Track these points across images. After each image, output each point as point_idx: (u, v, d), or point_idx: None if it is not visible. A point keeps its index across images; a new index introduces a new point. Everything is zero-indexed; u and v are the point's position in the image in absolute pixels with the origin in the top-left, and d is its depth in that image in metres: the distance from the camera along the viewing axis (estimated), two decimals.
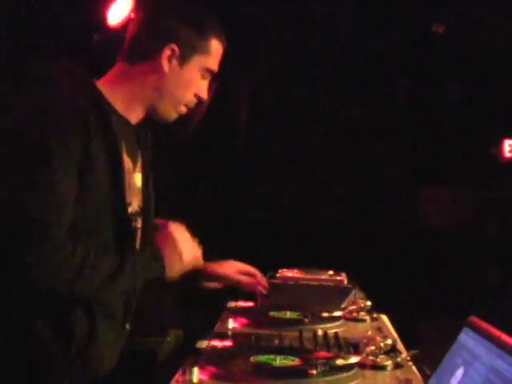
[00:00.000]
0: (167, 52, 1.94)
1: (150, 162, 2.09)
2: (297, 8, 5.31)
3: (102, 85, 1.93)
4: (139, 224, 2.00)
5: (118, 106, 1.94)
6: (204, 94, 2.03)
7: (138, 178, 2.01)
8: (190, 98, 2.02)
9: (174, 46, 1.94)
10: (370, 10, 5.26)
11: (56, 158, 1.70)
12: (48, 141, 1.71)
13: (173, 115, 2.03)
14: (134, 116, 1.99)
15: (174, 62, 1.95)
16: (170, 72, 1.96)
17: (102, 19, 3.66)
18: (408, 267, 5.21)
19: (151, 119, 2.05)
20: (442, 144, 5.38)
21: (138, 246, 1.99)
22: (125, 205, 1.89)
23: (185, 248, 1.97)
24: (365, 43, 5.32)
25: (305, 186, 5.47)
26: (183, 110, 2.03)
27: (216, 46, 2.01)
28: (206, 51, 1.98)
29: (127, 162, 1.93)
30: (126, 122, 1.97)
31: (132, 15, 3.71)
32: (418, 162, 5.43)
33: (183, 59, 1.96)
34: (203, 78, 2.02)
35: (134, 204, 1.96)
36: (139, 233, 2.00)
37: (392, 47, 5.32)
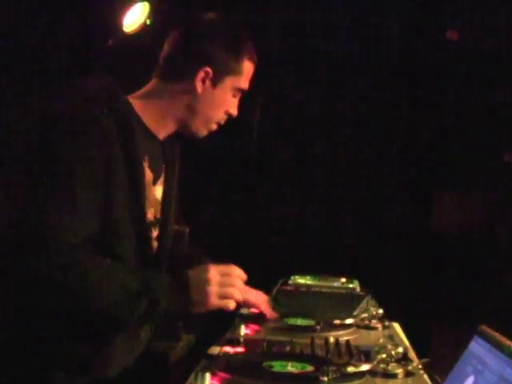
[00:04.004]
0: (201, 74, 2.00)
1: (176, 176, 2.15)
2: (297, 9, 5.32)
3: (135, 99, 1.99)
4: (154, 234, 2.04)
5: (148, 120, 1.99)
6: (234, 111, 2.10)
7: (158, 191, 2.06)
8: (221, 117, 2.09)
9: (208, 69, 2.00)
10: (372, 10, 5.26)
11: (77, 169, 1.76)
12: (68, 152, 1.77)
13: (203, 132, 2.09)
14: (164, 131, 2.06)
15: (207, 83, 2.01)
16: (203, 93, 2.01)
17: (118, 25, 3.69)
18: (420, 273, 5.19)
19: (181, 134, 2.11)
20: (454, 149, 5.36)
21: (152, 255, 2.02)
22: (144, 215, 1.94)
23: (213, 290, 1.88)
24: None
25: (316, 192, 5.46)
26: (214, 127, 2.10)
27: (248, 66, 2.07)
28: (238, 72, 2.05)
29: (148, 174, 1.98)
30: (152, 136, 2.02)
31: (148, 22, 3.75)
32: (430, 168, 5.42)
33: (216, 80, 2.02)
34: (234, 96, 2.08)
35: (150, 215, 2.00)
36: (154, 242, 2.04)
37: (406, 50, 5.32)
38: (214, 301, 1.87)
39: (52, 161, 1.77)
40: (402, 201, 5.34)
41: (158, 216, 2.05)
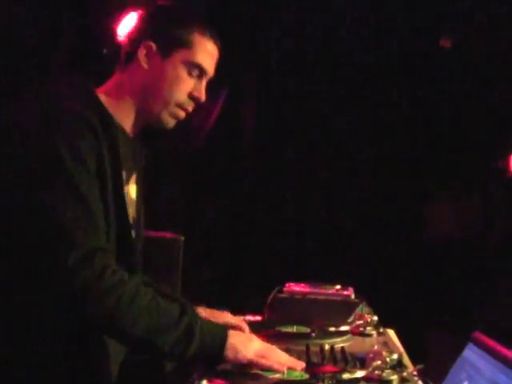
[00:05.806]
0: (143, 49, 1.92)
1: (142, 175, 2.07)
2: (298, 8, 5.32)
3: (101, 95, 1.92)
4: (133, 235, 1.98)
5: (116, 116, 1.91)
6: (200, 94, 1.97)
7: (132, 190, 1.99)
8: (181, 98, 1.95)
9: (151, 43, 1.92)
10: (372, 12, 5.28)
11: (75, 170, 1.71)
12: (62, 156, 1.70)
13: (167, 119, 1.97)
14: (130, 125, 1.97)
15: (155, 58, 1.92)
16: (151, 69, 1.92)
17: (112, 34, 3.70)
18: (415, 280, 5.20)
19: (151, 129, 2.01)
20: (453, 150, 5.37)
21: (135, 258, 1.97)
22: (127, 215, 1.89)
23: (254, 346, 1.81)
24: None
25: (310, 198, 5.46)
26: (179, 113, 1.98)
27: (201, 40, 1.95)
28: (188, 45, 1.93)
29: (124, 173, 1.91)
30: (123, 133, 1.95)
31: None
32: (428, 169, 5.42)
33: (164, 54, 1.92)
34: (190, 74, 1.95)
35: (130, 215, 1.94)
36: (136, 244, 1.98)
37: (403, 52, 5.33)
38: (250, 353, 1.77)
39: (51, 163, 1.71)
40: (397, 208, 5.33)
41: (135, 215, 1.99)
